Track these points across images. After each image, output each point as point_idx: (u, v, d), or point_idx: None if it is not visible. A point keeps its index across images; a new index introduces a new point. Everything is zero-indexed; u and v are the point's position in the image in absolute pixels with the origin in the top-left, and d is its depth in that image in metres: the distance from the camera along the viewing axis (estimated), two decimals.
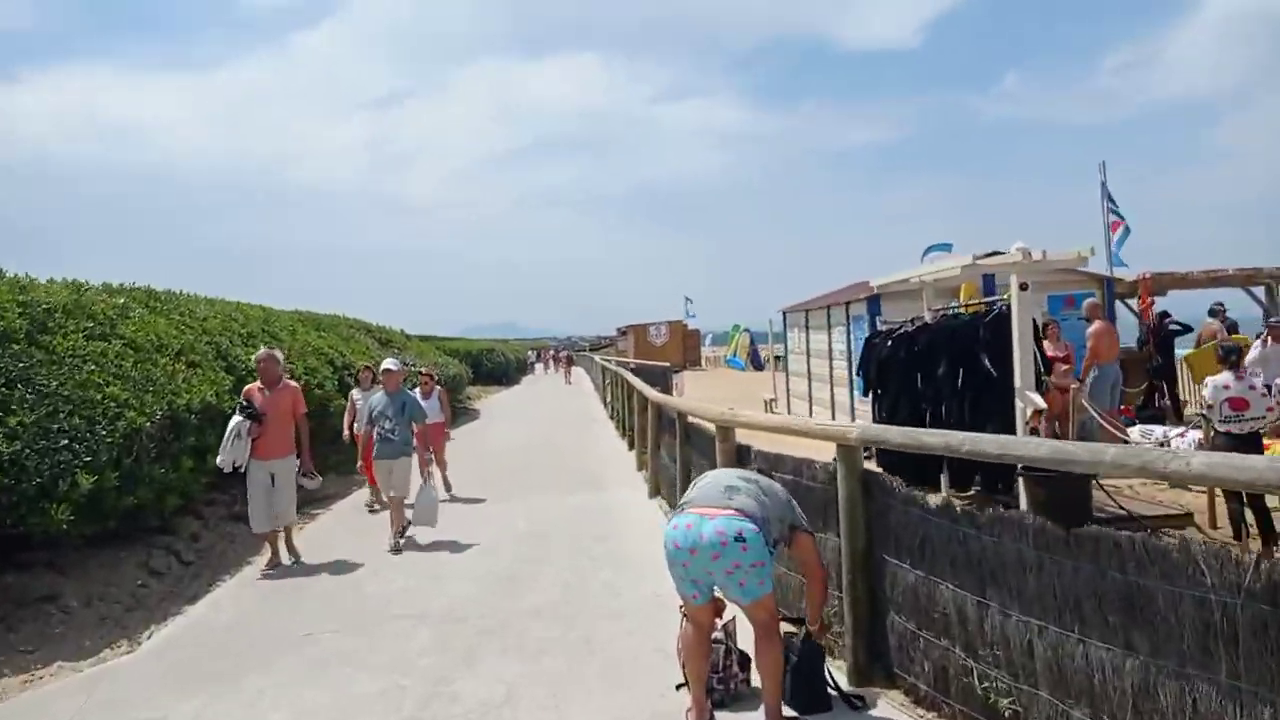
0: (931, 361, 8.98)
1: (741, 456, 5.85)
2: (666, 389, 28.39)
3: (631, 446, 14.17)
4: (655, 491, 9.86)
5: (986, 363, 8.14)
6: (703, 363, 52.86)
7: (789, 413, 18.26)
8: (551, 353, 65.56)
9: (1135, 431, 9.90)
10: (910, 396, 9.52)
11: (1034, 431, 7.51)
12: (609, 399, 20.98)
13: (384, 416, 8.46)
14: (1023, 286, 7.52)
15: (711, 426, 7.16)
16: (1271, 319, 10.93)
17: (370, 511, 9.94)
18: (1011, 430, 7.94)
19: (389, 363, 8.89)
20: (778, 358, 55.04)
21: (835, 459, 4.43)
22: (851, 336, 13.64)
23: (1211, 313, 13.54)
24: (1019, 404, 7.48)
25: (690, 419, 7.79)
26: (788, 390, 18.85)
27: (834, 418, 14.87)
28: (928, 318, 9.53)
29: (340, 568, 7.49)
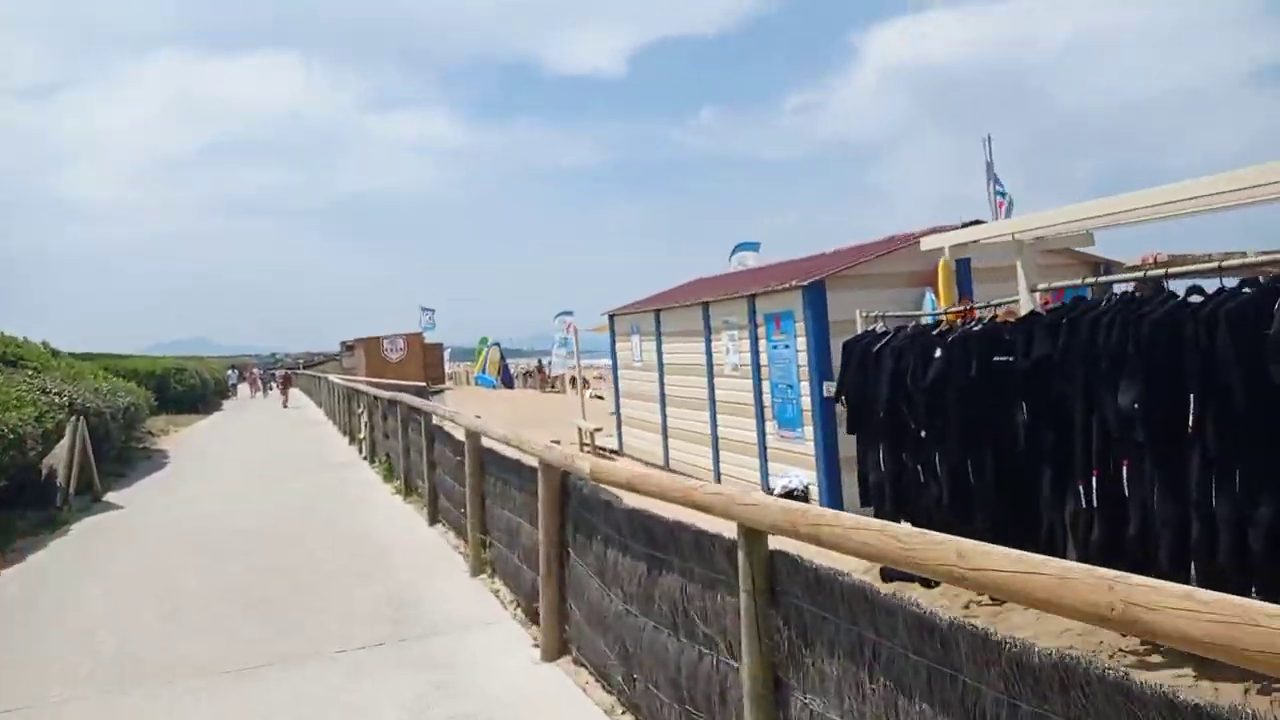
0: (1081, 382, 4.98)
1: None
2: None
3: (435, 520, 9.01)
4: (560, 649, 4.96)
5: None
6: (446, 380, 46.90)
7: (621, 448, 13.84)
8: (257, 371, 55.84)
9: None
10: (1008, 444, 5.47)
11: None
12: (365, 433, 15.29)
13: None
14: None
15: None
16: None
17: None
18: None
19: None
20: (527, 374, 50.60)
21: None
22: (763, 343, 9.49)
23: None
24: None
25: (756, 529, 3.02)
26: (619, 417, 14.38)
27: (718, 466, 10.66)
28: (1029, 304, 5.54)
29: None
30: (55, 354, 16.79)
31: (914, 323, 6.36)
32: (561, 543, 4.95)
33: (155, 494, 12.91)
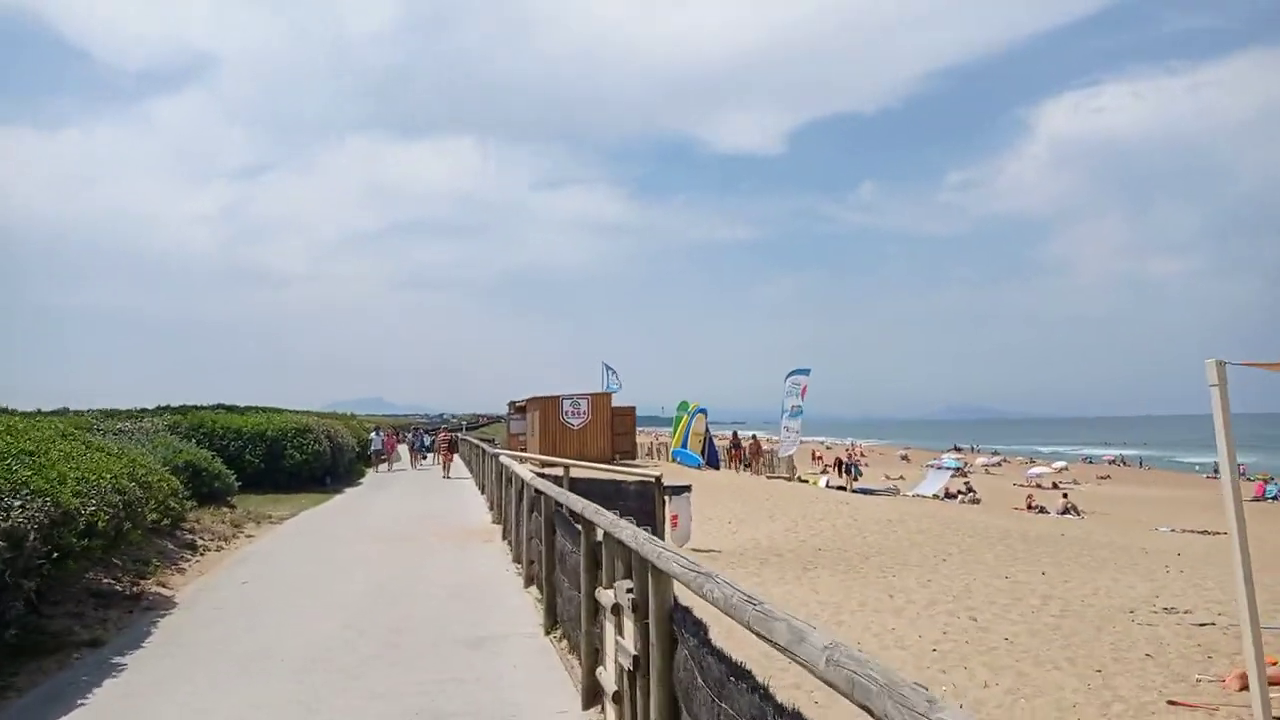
0: None
1: None
2: (657, 529, 12.01)
3: None
4: None
5: None
6: (637, 453, 36.24)
7: None
8: (410, 433, 45.84)
9: None
10: None
11: None
12: (619, 684, 4.52)
13: None
14: None
15: None
16: None
17: None
18: None
19: None
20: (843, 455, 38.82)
21: None
22: None
23: None
24: None
25: None
26: None
27: None
28: None
29: None
30: None
31: None
32: None
33: None
